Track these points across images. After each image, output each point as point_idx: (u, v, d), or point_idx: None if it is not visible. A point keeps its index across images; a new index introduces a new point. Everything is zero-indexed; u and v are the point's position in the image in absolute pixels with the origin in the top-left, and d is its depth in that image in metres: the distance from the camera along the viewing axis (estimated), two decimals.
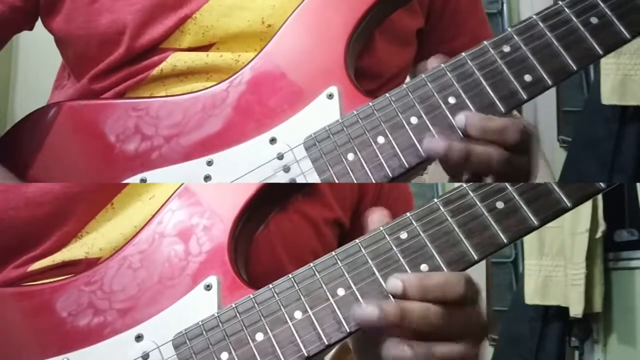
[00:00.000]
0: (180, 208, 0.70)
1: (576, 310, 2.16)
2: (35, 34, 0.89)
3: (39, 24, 0.85)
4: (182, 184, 0.71)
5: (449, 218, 0.64)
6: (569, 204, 0.64)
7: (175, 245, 0.68)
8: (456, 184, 0.66)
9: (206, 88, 0.74)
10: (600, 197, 2.15)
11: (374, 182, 0.67)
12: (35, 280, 0.71)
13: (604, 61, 2.07)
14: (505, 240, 0.63)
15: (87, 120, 0.75)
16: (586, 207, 2.14)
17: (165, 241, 0.69)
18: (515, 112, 0.70)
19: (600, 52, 0.68)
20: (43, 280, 0.70)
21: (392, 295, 0.61)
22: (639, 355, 2.17)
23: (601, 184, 0.65)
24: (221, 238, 0.68)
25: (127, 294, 0.67)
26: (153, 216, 0.70)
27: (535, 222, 0.63)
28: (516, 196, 0.64)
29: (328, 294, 0.63)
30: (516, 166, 0.66)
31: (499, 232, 0.63)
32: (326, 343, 0.61)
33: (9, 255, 0.72)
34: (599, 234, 2.18)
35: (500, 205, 0.64)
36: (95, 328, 0.66)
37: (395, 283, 0.61)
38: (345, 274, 0.63)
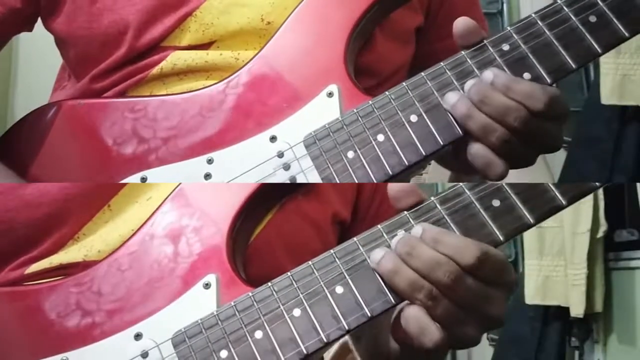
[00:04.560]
0: (172, 210, 0.70)
1: (577, 310, 2.16)
2: (35, 34, 0.89)
3: (39, 24, 0.86)
4: (179, 185, 0.71)
5: (445, 216, 0.64)
6: (563, 202, 0.64)
7: (164, 247, 0.68)
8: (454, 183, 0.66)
9: (206, 87, 0.74)
10: (601, 196, 2.15)
11: (374, 180, 0.67)
12: (32, 282, 0.71)
13: (603, 61, 2.07)
14: (501, 238, 0.63)
15: (86, 118, 0.75)
16: (587, 207, 2.14)
17: (155, 243, 0.68)
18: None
19: (599, 50, 0.68)
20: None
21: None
22: (639, 355, 2.17)
23: (596, 183, 0.65)
24: (217, 237, 0.68)
25: (115, 296, 0.66)
26: (147, 219, 0.70)
27: (531, 220, 0.63)
28: (512, 195, 0.64)
29: (326, 291, 0.63)
30: (543, 130, 0.66)
31: (495, 229, 0.63)
32: (325, 340, 0.61)
33: (6, 257, 0.72)
34: (600, 234, 2.17)
35: (496, 203, 0.64)
36: (88, 328, 0.65)
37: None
38: (344, 272, 0.63)
